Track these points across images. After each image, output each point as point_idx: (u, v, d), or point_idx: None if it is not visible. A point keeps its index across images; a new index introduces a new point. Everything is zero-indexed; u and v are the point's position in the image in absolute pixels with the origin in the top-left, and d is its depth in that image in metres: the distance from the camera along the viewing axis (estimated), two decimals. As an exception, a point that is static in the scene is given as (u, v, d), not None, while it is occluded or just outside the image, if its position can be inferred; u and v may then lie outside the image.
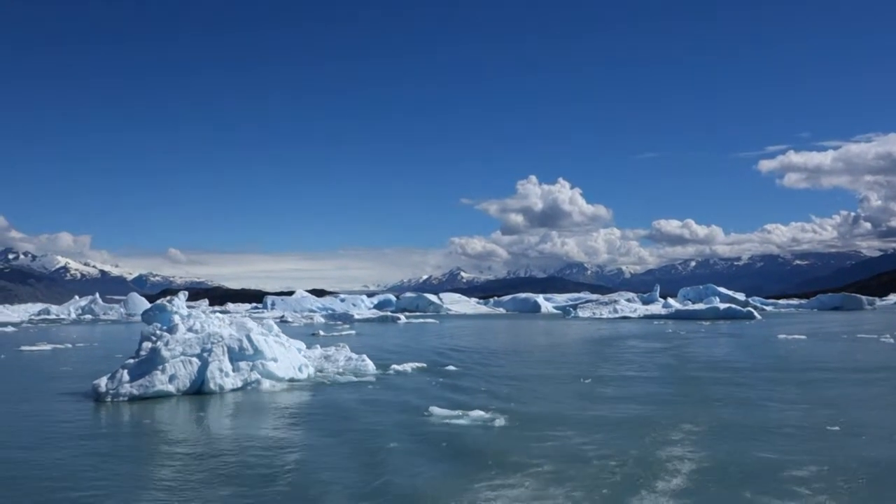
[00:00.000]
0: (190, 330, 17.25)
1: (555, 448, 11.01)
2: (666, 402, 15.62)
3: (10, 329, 63.41)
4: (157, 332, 17.31)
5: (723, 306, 74.09)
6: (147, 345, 16.96)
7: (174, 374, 16.22)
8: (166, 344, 16.58)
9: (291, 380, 18.01)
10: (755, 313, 71.63)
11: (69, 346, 37.25)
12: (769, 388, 17.36)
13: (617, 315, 78.26)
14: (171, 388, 16.11)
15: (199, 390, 16.49)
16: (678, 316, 73.08)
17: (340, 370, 20.54)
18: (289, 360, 18.33)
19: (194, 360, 16.60)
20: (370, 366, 21.26)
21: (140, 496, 8.66)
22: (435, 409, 14.01)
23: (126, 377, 16.08)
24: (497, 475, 9.37)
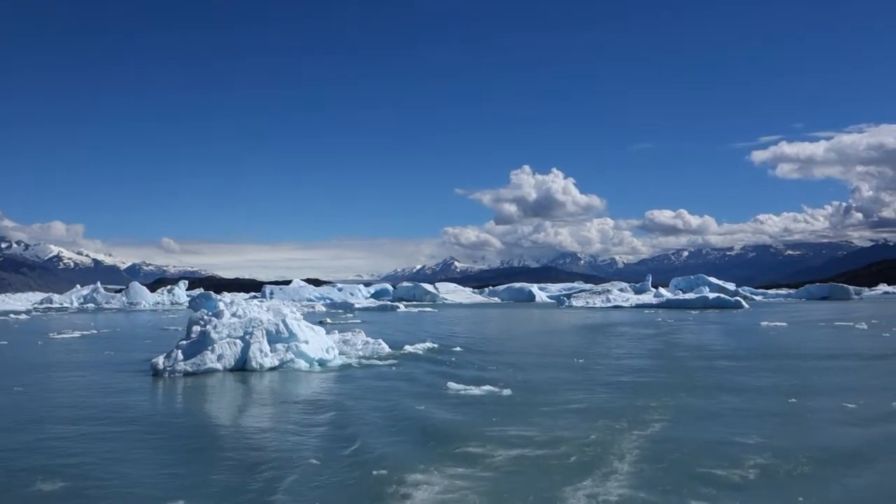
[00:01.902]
0: (234, 315, 19.65)
1: (552, 410, 13.54)
2: (647, 379, 18.18)
3: (22, 317, 65.51)
4: (206, 317, 19.73)
5: (712, 296, 76.55)
6: (197, 328, 19.37)
7: (221, 353, 18.64)
8: (214, 327, 18.99)
9: (321, 360, 20.38)
10: (743, 303, 74.19)
11: (94, 332, 39.54)
12: (739, 371, 19.64)
13: (610, 304, 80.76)
14: (218, 365, 18.52)
15: (242, 368, 18.91)
16: (669, 305, 75.60)
17: (360, 352, 22.93)
18: (318, 342, 20.72)
19: (238, 341, 19.02)
20: (386, 349, 23.69)
21: (195, 447, 11.02)
22: (451, 384, 16.45)
23: (181, 356, 18.52)
24: (507, 427, 11.83)
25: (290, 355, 19.52)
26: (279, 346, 19.56)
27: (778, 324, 41.02)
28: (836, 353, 24.29)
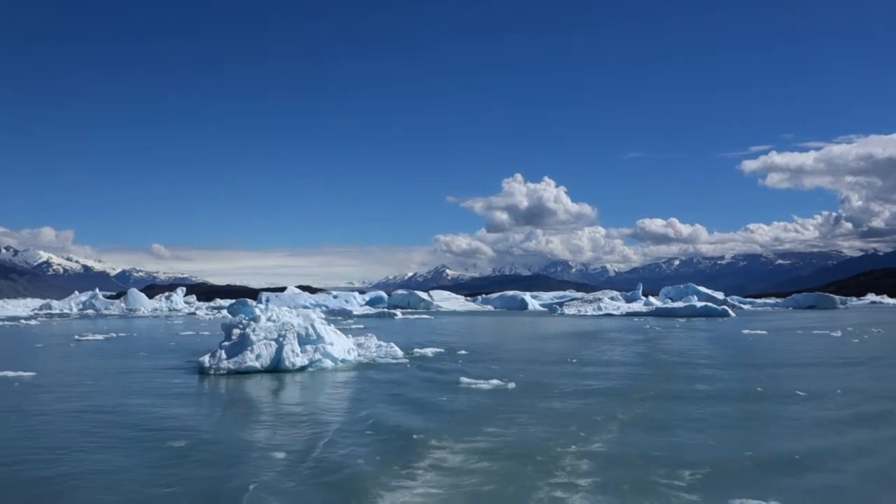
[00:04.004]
0: (269, 320, 22.16)
1: (550, 400, 16.26)
2: (630, 377, 20.98)
3: (32, 322, 67.57)
4: (244, 321, 22.26)
5: (700, 304, 79.19)
6: (237, 331, 21.90)
7: (259, 353, 21.13)
8: (253, 331, 21.50)
9: (344, 360, 22.96)
10: (730, 311, 76.86)
11: (114, 335, 41.84)
12: (710, 373, 22.19)
13: (601, 312, 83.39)
14: (257, 364, 21.02)
15: (276, 367, 21.39)
16: (658, 313, 78.20)
17: (375, 354, 25.48)
18: (341, 344, 23.31)
19: (273, 343, 21.51)
20: (398, 351, 26.22)
21: (242, 435, 13.39)
22: (463, 379, 19.06)
23: (224, 356, 21.04)
24: (511, 413, 14.42)
25: (318, 356, 22.06)
26: (308, 347, 22.10)
27: (758, 332, 43.70)
28: (802, 359, 26.52)
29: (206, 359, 21.14)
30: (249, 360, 20.88)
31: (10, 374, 20.74)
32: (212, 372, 20.62)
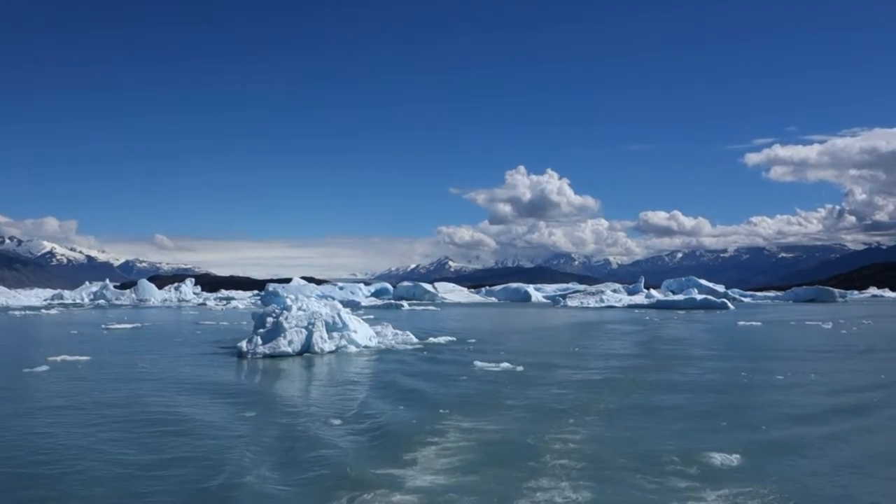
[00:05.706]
0: (300, 309, 24.37)
1: (554, 378, 18.46)
2: (626, 365, 23.21)
3: (53, 312, 69.82)
4: (276, 310, 24.49)
5: (700, 297, 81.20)
6: (270, 319, 24.14)
7: (291, 339, 23.35)
8: (286, 319, 23.72)
9: (366, 346, 25.20)
10: (729, 304, 78.76)
11: (139, 325, 44.07)
12: (701, 364, 24.14)
13: (603, 304, 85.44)
14: (289, 349, 23.24)
15: (306, 351, 23.60)
16: (659, 306, 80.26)
17: (393, 341, 27.66)
18: (364, 332, 25.57)
19: (303, 330, 23.74)
20: (414, 339, 28.44)
21: (275, 410, 15.63)
22: (477, 362, 21.23)
23: (260, 341, 23.28)
24: (522, 390, 16.59)
25: (343, 342, 24.31)
26: (335, 334, 24.37)
27: (753, 323, 45.74)
28: (788, 349, 28.18)
29: (243, 344, 23.38)
30: (283, 345, 23.09)
31: (69, 358, 22.96)
32: (249, 356, 22.84)
